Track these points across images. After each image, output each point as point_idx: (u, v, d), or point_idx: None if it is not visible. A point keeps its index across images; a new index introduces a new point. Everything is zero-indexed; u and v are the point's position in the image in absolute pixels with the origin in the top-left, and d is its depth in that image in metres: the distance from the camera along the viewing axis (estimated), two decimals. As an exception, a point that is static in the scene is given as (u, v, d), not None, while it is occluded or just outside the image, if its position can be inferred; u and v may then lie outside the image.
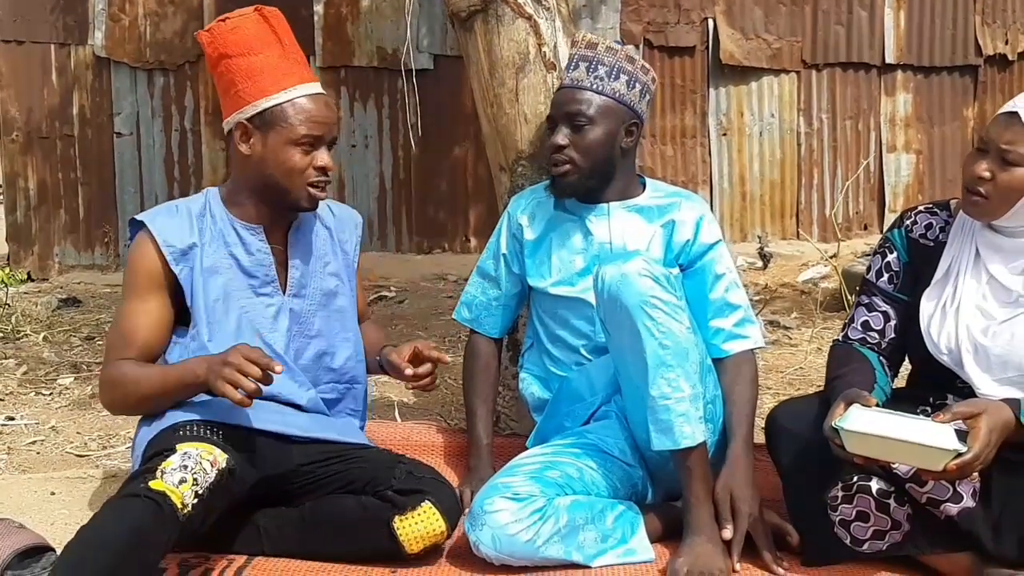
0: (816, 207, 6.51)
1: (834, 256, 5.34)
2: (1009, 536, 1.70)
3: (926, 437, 1.60)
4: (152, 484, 1.64)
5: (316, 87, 2.02)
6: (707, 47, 6.35)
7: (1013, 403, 1.66)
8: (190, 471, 1.68)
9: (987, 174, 1.78)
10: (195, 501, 1.66)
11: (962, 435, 1.62)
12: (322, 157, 1.98)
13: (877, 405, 1.73)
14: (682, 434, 1.87)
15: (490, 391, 2.36)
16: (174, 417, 1.86)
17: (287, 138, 1.95)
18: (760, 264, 5.85)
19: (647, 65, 2.20)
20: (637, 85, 2.16)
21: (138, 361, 1.93)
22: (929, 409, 1.89)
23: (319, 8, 6.14)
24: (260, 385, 1.76)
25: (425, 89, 6.35)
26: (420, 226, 6.41)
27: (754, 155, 6.48)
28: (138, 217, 2.00)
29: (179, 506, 1.64)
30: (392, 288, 5.48)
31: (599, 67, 2.13)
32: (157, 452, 1.74)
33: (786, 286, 5.35)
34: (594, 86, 2.13)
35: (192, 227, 1.99)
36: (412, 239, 6.42)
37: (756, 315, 4.30)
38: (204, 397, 1.91)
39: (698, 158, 6.43)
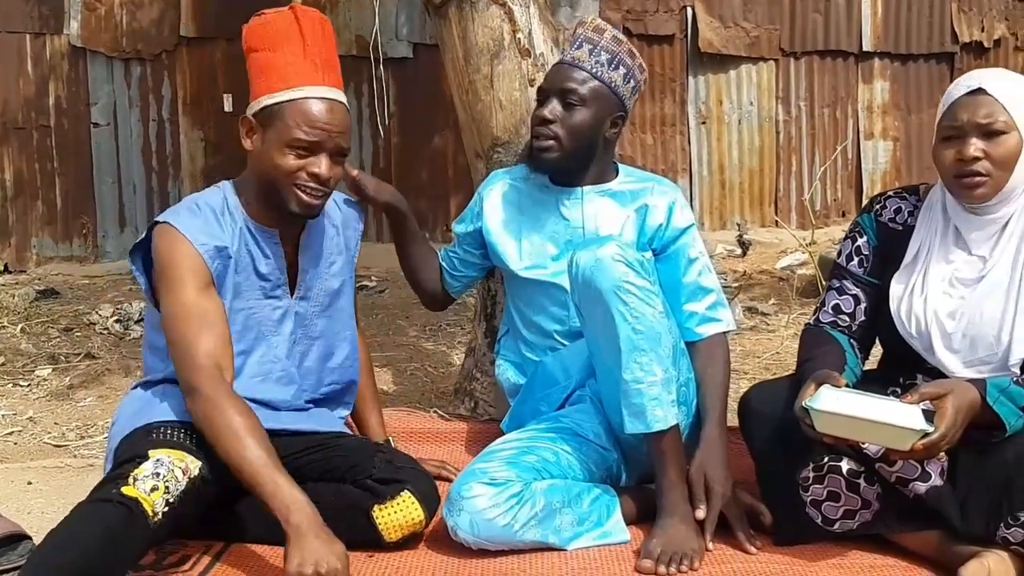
0: (794, 194, 6.55)
1: (812, 243, 5.38)
2: (975, 514, 1.73)
3: (894, 417, 1.63)
4: (125, 490, 1.62)
5: (330, 91, 1.93)
6: (686, 35, 6.36)
7: (980, 384, 1.69)
8: (162, 479, 1.66)
9: (980, 153, 1.78)
10: (166, 509, 1.65)
11: (929, 415, 1.65)
12: (318, 164, 1.89)
13: (847, 385, 1.76)
14: (654, 417, 1.89)
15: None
16: (150, 415, 1.83)
17: (283, 139, 1.89)
18: (739, 251, 5.89)
19: (644, 64, 2.22)
20: (632, 81, 2.18)
21: (243, 410, 1.76)
22: (899, 390, 1.91)
23: (297, -4, 6.12)
24: None
25: (404, 77, 6.35)
26: (400, 215, 6.39)
27: (733, 143, 6.51)
28: (162, 219, 1.89)
29: (150, 514, 1.62)
30: (373, 278, 5.48)
31: (602, 53, 2.14)
32: (130, 457, 1.71)
33: (764, 273, 5.39)
34: (593, 69, 2.13)
35: (220, 225, 1.92)
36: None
37: (733, 301, 4.34)
38: (179, 396, 1.87)
39: (677, 146, 6.46)
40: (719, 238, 6.19)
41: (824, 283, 3.97)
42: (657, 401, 1.89)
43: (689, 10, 6.34)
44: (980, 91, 1.78)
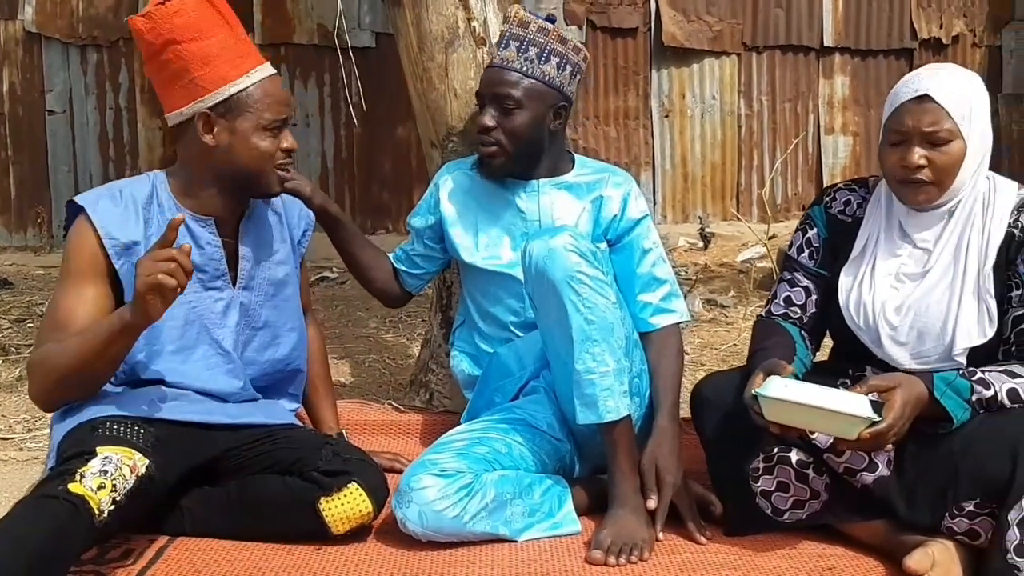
0: (756, 188, 6.59)
1: (772, 236, 5.41)
2: (922, 504, 1.75)
3: (842, 405, 1.64)
4: (71, 487, 1.58)
5: (271, 68, 1.95)
6: (649, 29, 6.37)
7: (927, 378, 1.70)
8: (109, 476, 1.62)
9: (924, 161, 1.79)
10: (112, 508, 1.61)
11: (878, 406, 1.66)
12: (287, 139, 1.94)
13: (794, 375, 1.76)
14: (606, 408, 1.89)
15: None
16: (93, 411, 1.78)
17: (256, 124, 1.88)
18: (701, 244, 5.92)
19: (579, 44, 2.19)
20: (568, 67, 2.15)
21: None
22: (848, 382, 1.92)
23: (258, -16, 6.04)
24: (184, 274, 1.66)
25: (367, 67, 6.28)
26: (363, 206, 6.36)
27: (695, 137, 6.53)
28: (79, 201, 1.88)
29: (96, 512, 1.59)
30: (334, 269, 5.43)
31: (530, 48, 2.11)
32: (76, 453, 1.67)
33: (725, 266, 5.42)
34: (524, 68, 2.11)
35: (138, 219, 1.88)
36: (355, 219, 6.36)
37: (692, 293, 4.36)
38: (122, 390, 1.86)
39: (640, 139, 6.47)
40: (681, 231, 6.21)
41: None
42: (609, 392, 1.89)
43: (653, 3, 6.34)
44: (927, 98, 1.78)
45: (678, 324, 2.18)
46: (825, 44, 6.56)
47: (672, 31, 6.35)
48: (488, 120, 2.11)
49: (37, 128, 6.07)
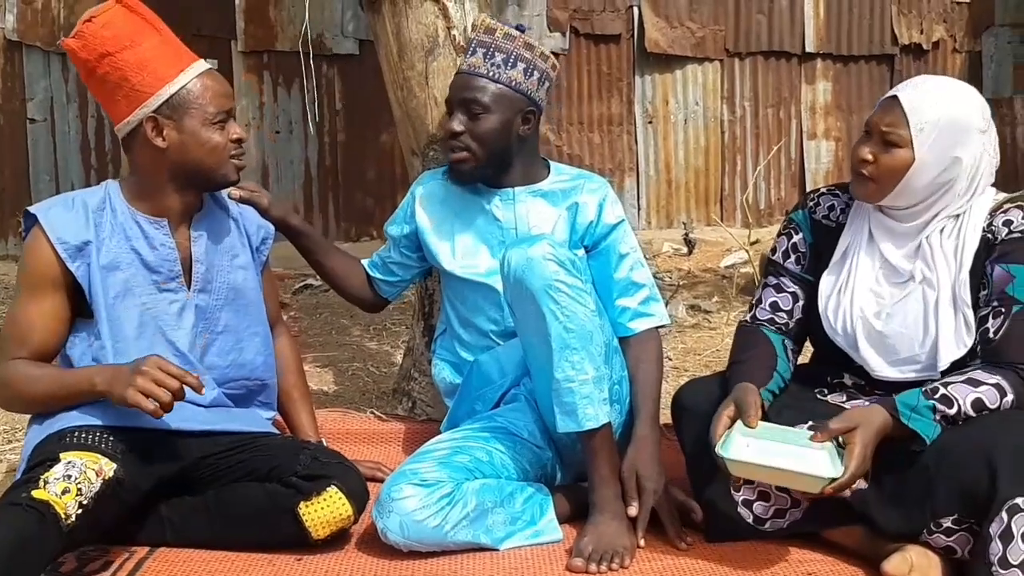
0: (739, 193, 6.62)
1: (757, 242, 5.43)
2: (901, 517, 1.75)
3: (803, 465, 1.66)
4: (35, 493, 1.59)
5: (205, 63, 1.99)
6: (632, 35, 6.40)
7: (889, 404, 1.71)
8: (74, 480, 1.63)
9: (870, 156, 1.82)
10: (79, 511, 1.62)
11: (840, 451, 1.68)
12: (235, 129, 1.97)
13: (764, 411, 1.78)
14: (585, 416, 1.89)
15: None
16: (64, 421, 1.80)
17: (202, 119, 1.92)
18: (685, 250, 5.94)
19: (547, 52, 2.21)
20: (535, 73, 2.17)
21: (32, 361, 1.88)
22: (826, 390, 1.94)
23: (240, -9, 6.04)
24: (174, 398, 1.73)
25: (350, 74, 6.31)
26: (347, 213, 6.36)
27: (679, 142, 6.56)
28: (31, 209, 1.92)
29: (63, 516, 1.59)
30: (318, 276, 5.42)
31: (496, 54, 2.13)
32: (40, 461, 1.69)
33: (709, 271, 5.44)
34: (491, 73, 2.12)
35: (88, 222, 1.91)
36: (339, 226, 6.36)
37: (675, 298, 4.37)
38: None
39: (624, 145, 6.49)
40: (665, 236, 6.24)
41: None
42: (588, 400, 1.89)
43: (635, 10, 6.38)
44: (895, 99, 1.81)
45: (657, 328, 2.18)
46: (807, 50, 6.61)
47: (655, 37, 6.39)
48: (456, 125, 2.12)
49: (18, 136, 6.05)
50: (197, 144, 1.92)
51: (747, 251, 4.76)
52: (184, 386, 1.75)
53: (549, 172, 2.25)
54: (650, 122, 6.51)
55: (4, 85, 6.02)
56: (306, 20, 3.53)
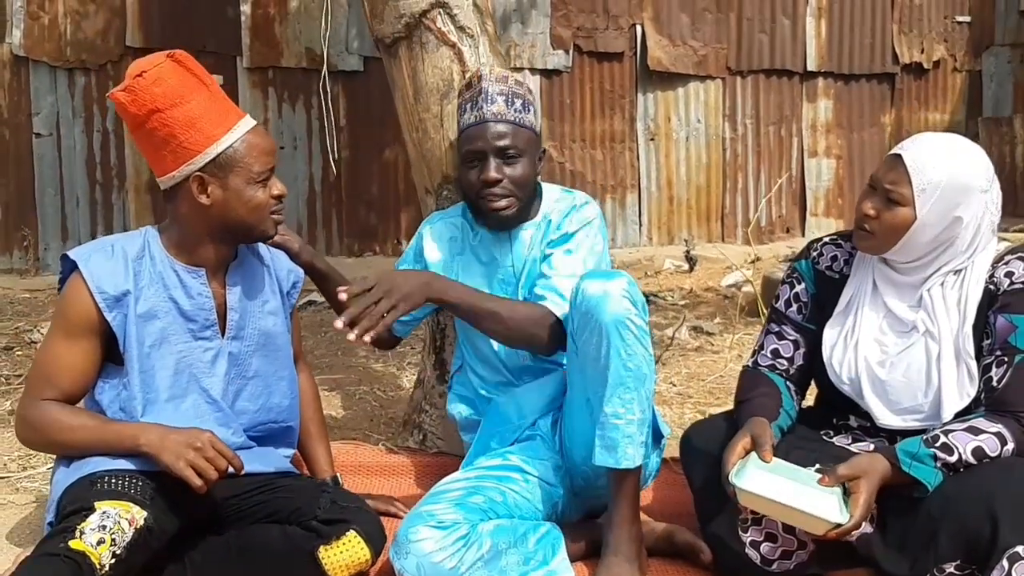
0: (740, 211, 6.66)
1: (757, 259, 5.48)
2: (905, 561, 1.79)
3: (811, 505, 1.71)
4: (72, 544, 1.63)
5: (251, 120, 2.00)
6: (635, 53, 6.45)
7: (890, 453, 1.76)
8: (108, 531, 1.67)
9: (873, 212, 1.87)
10: (112, 562, 1.66)
11: (845, 495, 1.74)
12: (277, 185, 2.00)
13: (775, 447, 1.82)
14: (625, 455, 1.93)
15: None
16: (93, 464, 1.83)
17: (247, 178, 1.93)
18: (686, 267, 5.98)
19: (531, 87, 2.28)
20: (536, 112, 2.26)
21: (62, 404, 1.92)
22: (832, 432, 1.99)
23: (246, 8, 6.07)
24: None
25: (355, 91, 6.34)
26: (351, 229, 6.39)
27: (681, 160, 6.61)
28: (71, 255, 1.93)
29: (97, 567, 1.63)
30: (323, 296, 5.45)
31: (515, 100, 2.18)
32: (75, 510, 1.72)
33: (710, 290, 5.47)
34: (516, 119, 2.17)
35: (128, 271, 1.93)
36: (343, 242, 6.40)
37: (680, 322, 4.40)
38: None
39: (627, 162, 6.53)
40: (667, 253, 6.28)
41: (765, 308, 4.06)
42: (630, 440, 1.93)
43: (638, 28, 6.42)
44: (899, 157, 1.86)
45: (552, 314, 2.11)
46: (808, 68, 6.66)
47: (658, 55, 6.43)
48: (495, 173, 2.15)
49: (24, 151, 6.07)
50: (240, 202, 1.94)
51: (747, 277, 4.78)
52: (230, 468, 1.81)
53: (541, 200, 2.29)
54: (652, 139, 6.55)
55: (10, 100, 6.04)
56: (325, 43, 3.55)
